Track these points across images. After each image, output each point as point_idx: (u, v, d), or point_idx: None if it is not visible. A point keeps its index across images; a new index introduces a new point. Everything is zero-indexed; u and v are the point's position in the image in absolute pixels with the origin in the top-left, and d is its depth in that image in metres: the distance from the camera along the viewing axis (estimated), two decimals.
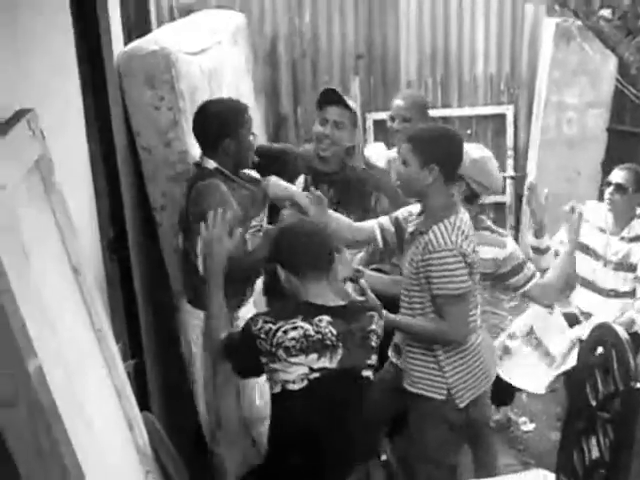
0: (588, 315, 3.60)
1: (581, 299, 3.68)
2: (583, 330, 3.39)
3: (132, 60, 2.86)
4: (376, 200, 3.19)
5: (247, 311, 2.84)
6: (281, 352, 2.10)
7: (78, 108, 2.51)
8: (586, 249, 3.62)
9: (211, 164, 2.72)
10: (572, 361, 3.32)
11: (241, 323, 2.69)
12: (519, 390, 3.60)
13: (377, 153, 3.53)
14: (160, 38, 3.01)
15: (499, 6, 5.28)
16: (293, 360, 2.10)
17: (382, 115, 4.60)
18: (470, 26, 5.31)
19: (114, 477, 1.97)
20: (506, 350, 3.56)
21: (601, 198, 3.94)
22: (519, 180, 5.41)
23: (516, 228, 5.29)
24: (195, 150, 2.88)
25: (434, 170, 2.45)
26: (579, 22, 4.61)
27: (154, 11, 3.85)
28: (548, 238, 3.10)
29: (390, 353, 2.81)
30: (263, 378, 2.25)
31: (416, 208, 2.65)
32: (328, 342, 2.14)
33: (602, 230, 3.62)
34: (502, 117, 5.46)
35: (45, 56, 2.17)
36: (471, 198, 2.77)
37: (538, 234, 3.04)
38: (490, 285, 3.06)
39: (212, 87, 3.21)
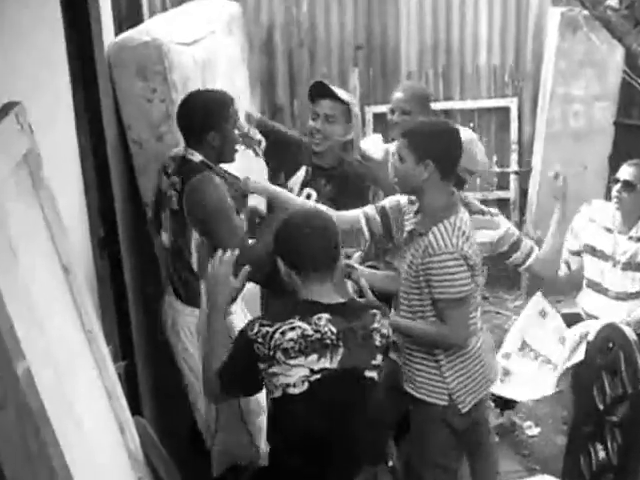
0: (593, 318, 3.52)
1: (587, 301, 3.62)
2: (587, 327, 3.32)
3: (123, 51, 2.84)
4: (374, 194, 3.16)
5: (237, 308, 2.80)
6: (280, 354, 2.03)
7: (67, 101, 2.49)
8: (593, 251, 3.57)
9: (197, 157, 2.69)
10: (580, 355, 3.25)
11: (233, 317, 2.65)
12: None
13: (374, 145, 3.46)
14: (152, 28, 2.99)
15: None
16: (292, 362, 2.04)
17: (382, 108, 4.47)
18: (473, 15, 5.19)
19: (104, 478, 1.96)
20: (505, 372, 3.52)
21: (608, 195, 3.88)
22: (524, 175, 5.32)
23: (520, 224, 5.19)
24: None
25: (429, 166, 2.42)
26: (585, 11, 4.50)
27: (146, 1, 3.81)
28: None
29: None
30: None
31: (404, 199, 2.64)
32: (327, 341, 2.07)
33: (609, 230, 3.55)
34: (506, 110, 5.33)
35: (33, 48, 2.16)
36: (458, 184, 2.71)
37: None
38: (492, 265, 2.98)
39: (206, 78, 3.17)
